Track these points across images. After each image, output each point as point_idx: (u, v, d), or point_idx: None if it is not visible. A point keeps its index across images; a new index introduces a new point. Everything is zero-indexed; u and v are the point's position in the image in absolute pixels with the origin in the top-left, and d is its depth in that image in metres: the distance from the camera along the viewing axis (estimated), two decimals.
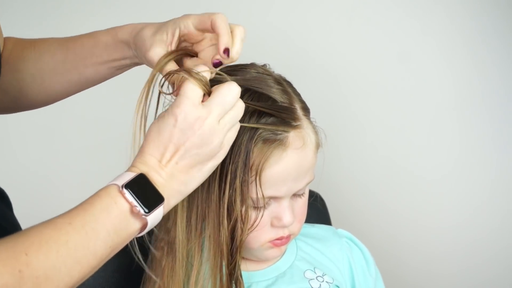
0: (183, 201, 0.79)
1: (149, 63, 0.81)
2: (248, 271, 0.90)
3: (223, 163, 0.77)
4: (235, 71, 0.84)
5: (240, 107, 0.74)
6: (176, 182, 0.70)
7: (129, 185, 0.67)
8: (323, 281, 0.91)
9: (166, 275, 0.81)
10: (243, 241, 0.80)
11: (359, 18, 1.52)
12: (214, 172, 0.76)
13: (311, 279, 0.91)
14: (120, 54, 0.87)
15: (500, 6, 1.45)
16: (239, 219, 0.79)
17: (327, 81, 1.56)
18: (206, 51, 0.81)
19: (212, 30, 0.77)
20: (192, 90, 0.71)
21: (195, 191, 0.77)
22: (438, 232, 1.60)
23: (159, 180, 0.69)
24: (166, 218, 0.82)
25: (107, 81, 0.95)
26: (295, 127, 0.81)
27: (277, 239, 0.85)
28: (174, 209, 0.80)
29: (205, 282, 0.81)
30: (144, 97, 0.75)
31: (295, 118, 0.81)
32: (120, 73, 0.92)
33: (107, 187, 0.67)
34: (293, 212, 0.84)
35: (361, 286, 0.97)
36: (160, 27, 0.81)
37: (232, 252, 0.81)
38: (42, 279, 0.60)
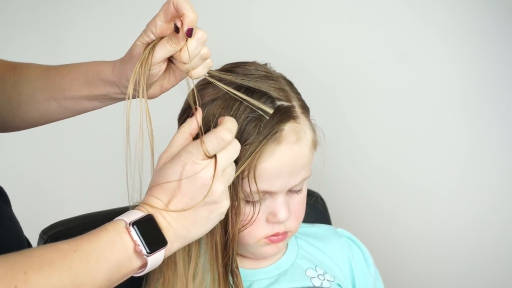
0: None
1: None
2: (250, 269, 0.90)
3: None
4: (235, 68, 0.85)
5: (237, 147, 0.75)
6: (180, 227, 0.72)
7: (136, 224, 0.69)
8: (324, 279, 0.91)
9: (169, 268, 0.81)
10: (236, 234, 0.81)
11: (360, 17, 1.52)
12: None
13: (313, 277, 0.91)
14: (102, 91, 0.87)
15: (503, 4, 1.45)
16: (229, 212, 0.79)
17: (328, 81, 1.56)
18: None
19: (178, 13, 0.75)
20: (198, 149, 0.72)
21: None
22: (438, 235, 1.60)
23: (163, 223, 0.71)
24: None
25: None
26: (292, 121, 0.82)
27: (273, 235, 0.85)
28: None
29: (204, 275, 0.81)
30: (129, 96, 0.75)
31: (292, 115, 0.82)
32: (104, 106, 0.91)
33: (115, 222, 0.69)
34: (289, 208, 0.85)
35: (361, 285, 0.97)
36: (135, 44, 0.79)
37: (227, 245, 0.81)
38: None
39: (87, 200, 1.53)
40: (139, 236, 0.68)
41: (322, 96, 1.54)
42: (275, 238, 0.86)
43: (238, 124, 0.78)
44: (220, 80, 0.80)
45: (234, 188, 0.79)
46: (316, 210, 1.14)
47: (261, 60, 0.89)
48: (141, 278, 0.88)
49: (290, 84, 0.87)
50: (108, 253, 0.66)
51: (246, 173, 0.80)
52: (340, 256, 0.96)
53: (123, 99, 0.87)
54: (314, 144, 0.86)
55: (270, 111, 0.80)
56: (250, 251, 0.88)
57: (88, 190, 1.63)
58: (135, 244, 0.68)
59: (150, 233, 0.69)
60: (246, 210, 0.82)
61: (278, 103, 0.82)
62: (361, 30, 1.53)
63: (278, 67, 0.90)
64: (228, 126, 0.74)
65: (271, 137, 0.79)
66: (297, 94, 0.87)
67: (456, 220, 1.58)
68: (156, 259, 0.70)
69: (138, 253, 0.68)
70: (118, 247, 0.67)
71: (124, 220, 0.69)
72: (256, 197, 0.81)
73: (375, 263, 1.01)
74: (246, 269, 0.89)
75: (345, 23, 1.53)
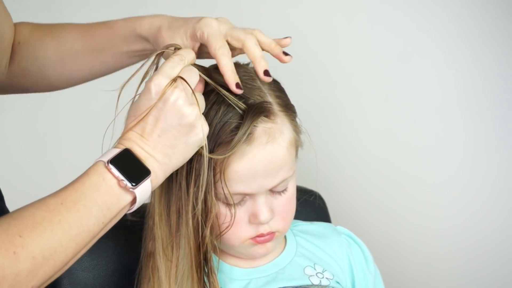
0: (161, 198, 0.81)
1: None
2: (246, 268, 0.90)
3: (190, 160, 0.77)
4: (216, 68, 0.83)
5: (196, 70, 0.77)
6: (160, 154, 0.71)
7: (115, 161, 0.68)
8: (323, 277, 0.91)
9: (155, 272, 0.82)
10: (206, 237, 0.80)
11: (360, 17, 1.52)
12: (181, 169, 0.78)
13: (311, 276, 0.90)
14: (140, 46, 0.89)
15: (502, 4, 1.45)
16: (199, 216, 0.79)
17: (327, 81, 1.56)
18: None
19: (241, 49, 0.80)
20: (169, 67, 0.73)
21: (172, 188, 0.79)
22: (437, 234, 1.59)
23: (142, 154, 0.71)
24: (149, 215, 0.84)
25: (108, 76, 0.97)
26: (266, 119, 0.80)
27: (258, 236, 0.85)
28: (152, 206, 0.82)
29: (184, 278, 0.81)
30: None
31: (263, 111, 0.80)
32: (145, 59, 0.91)
33: (95, 165, 0.69)
34: (272, 209, 0.84)
35: (361, 283, 0.97)
36: (180, 27, 0.82)
37: (200, 248, 0.81)
38: (39, 259, 0.61)
39: None
40: (120, 172, 0.68)
41: (322, 95, 1.54)
42: (260, 239, 0.85)
43: (212, 126, 0.78)
44: None
45: (206, 193, 0.79)
46: (316, 209, 1.14)
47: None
48: (133, 281, 0.88)
49: (271, 82, 0.84)
50: (95, 196, 0.66)
51: (218, 175, 0.79)
52: (340, 253, 0.96)
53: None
54: (294, 144, 0.84)
55: (243, 106, 0.79)
56: (239, 252, 0.88)
57: None
58: (118, 180, 0.68)
59: (131, 166, 0.69)
60: (223, 211, 0.82)
61: (250, 101, 0.80)
62: (360, 30, 1.53)
63: (278, 67, 0.89)
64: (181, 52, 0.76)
65: (243, 136, 0.78)
66: (278, 92, 0.85)
67: (456, 219, 1.58)
68: (144, 190, 0.70)
69: (123, 188, 0.68)
70: (104, 188, 0.67)
71: (102, 161, 0.69)
72: (230, 200, 0.81)
73: (375, 262, 1.01)
74: (242, 268, 0.89)
75: (345, 23, 1.53)
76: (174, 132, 0.72)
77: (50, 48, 0.95)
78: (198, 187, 0.78)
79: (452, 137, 1.55)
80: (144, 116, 0.71)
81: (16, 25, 0.96)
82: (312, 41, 1.54)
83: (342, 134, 1.57)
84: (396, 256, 1.60)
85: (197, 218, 0.79)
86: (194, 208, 0.79)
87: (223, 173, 0.79)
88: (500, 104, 1.51)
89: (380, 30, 1.51)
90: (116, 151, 0.69)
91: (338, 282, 0.92)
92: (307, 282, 0.89)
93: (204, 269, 0.82)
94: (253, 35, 0.80)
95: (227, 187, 0.79)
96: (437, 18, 1.50)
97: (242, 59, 0.87)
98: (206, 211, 0.80)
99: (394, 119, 1.56)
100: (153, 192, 0.82)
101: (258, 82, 0.83)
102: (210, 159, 0.78)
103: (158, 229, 0.82)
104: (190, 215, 0.79)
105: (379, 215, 1.60)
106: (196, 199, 0.78)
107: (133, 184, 0.68)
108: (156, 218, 0.82)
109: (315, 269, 0.92)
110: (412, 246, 1.61)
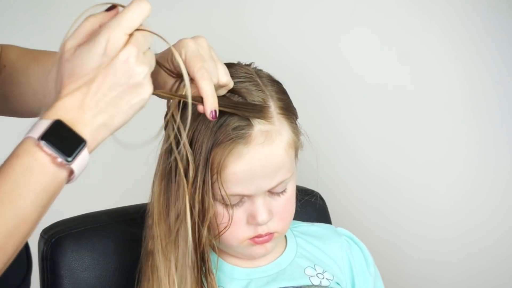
0: (160, 197, 0.80)
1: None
2: (247, 268, 0.90)
3: (188, 161, 0.77)
4: None
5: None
6: (103, 115, 0.65)
7: (46, 135, 0.62)
8: (323, 278, 0.91)
9: (154, 272, 0.82)
10: (202, 237, 0.80)
11: (359, 16, 1.52)
12: (180, 169, 0.77)
13: (312, 276, 0.91)
14: None
15: (507, 1, 1.45)
16: (196, 217, 0.79)
17: (327, 81, 1.56)
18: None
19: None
20: (127, 19, 0.66)
21: (171, 188, 0.78)
22: (437, 237, 1.60)
23: (82, 118, 0.64)
24: (148, 214, 0.83)
25: None
26: (262, 120, 0.80)
27: (256, 236, 0.85)
28: (152, 205, 0.82)
29: (182, 278, 0.81)
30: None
31: (263, 115, 0.80)
32: None
33: (24, 143, 0.63)
34: (270, 210, 0.84)
35: (361, 284, 0.97)
36: (161, 57, 0.79)
37: (197, 248, 0.81)
38: None
39: (87, 200, 1.53)
40: (53, 148, 0.62)
41: (321, 96, 1.54)
42: (259, 239, 0.85)
43: (209, 127, 0.78)
44: None
45: (203, 194, 0.79)
46: (316, 210, 1.14)
47: (260, 60, 0.89)
48: (133, 280, 0.88)
49: (273, 84, 0.84)
50: (29, 180, 0.61)
51: (215, 176, 0.79)
52: (340, 255, 0.96)
53: None
54: (293, 145, 0.84)
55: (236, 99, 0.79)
56: (238, 252, 0.88)
57: (88, 190, 1.63)
58: (53, 157, 0.62)
59: (65, 138, 0.62)
60: (221, 211, 0.82)
61: (250, 101, 0.80)
62: (361, 28, 1.53)
63: (275, 67, 0.89)
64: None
65: (237, 134, 0.78)
66: (280, 94, 0.84)
67: (458, 224, 1.58)
68: (81, 161, 0.64)
69: (59, 164, 0.62)
70: (37, 169, 0.61)
71: (32, 137, 0.62)
72: (227, 201, 0.81)
73: (375, 263, 1.01)
74: (243, 268, 0.90)
75: (345, 21, 1.53)
76: (120, 91, 0.65)
77: (33, 77, 0.92)
78: (195, 188, 0.78)
79: (456, 140, 1.55)
80: (94, 74, 0.64)
81: (3, 47, 0.94)
82: (311, 42, 1.54)
83: (342, 135, 1.57)
84: (396, 258, 1.60)
85: (194, 219, 0.79)
86: (191, 208, 0.79)
87: (220, 174, 0.79)
88: (505, 102, 1.50)
89: (382, 30, 1.51)
90: (46, 123, 0.62)
91: (338, 283, 0.92)
92: (307, 282, 0.89)
93: (202, 269, 0.82)
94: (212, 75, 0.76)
95: (223, 188, 0.79)
96: (439, 18, 1.50)
97: (243, 59, 0.87)
98: (203, 211, 0.80)
99: (396, 119, 1.56)
100: (152, 191, 0.82)
101: (261, 83, 0.83)
102: (207, 160, 0.78)
103: (157, 228, 0.81)
104: (187, 216, 0.79)
105: (380, 216, 1.60)
106: (193, 200, 0.78)
107: (69, 160, 0.62)
108: (155, 217, 0.81)
109: (315, 269, 0.92)
110: (412, 248, 1.61)
